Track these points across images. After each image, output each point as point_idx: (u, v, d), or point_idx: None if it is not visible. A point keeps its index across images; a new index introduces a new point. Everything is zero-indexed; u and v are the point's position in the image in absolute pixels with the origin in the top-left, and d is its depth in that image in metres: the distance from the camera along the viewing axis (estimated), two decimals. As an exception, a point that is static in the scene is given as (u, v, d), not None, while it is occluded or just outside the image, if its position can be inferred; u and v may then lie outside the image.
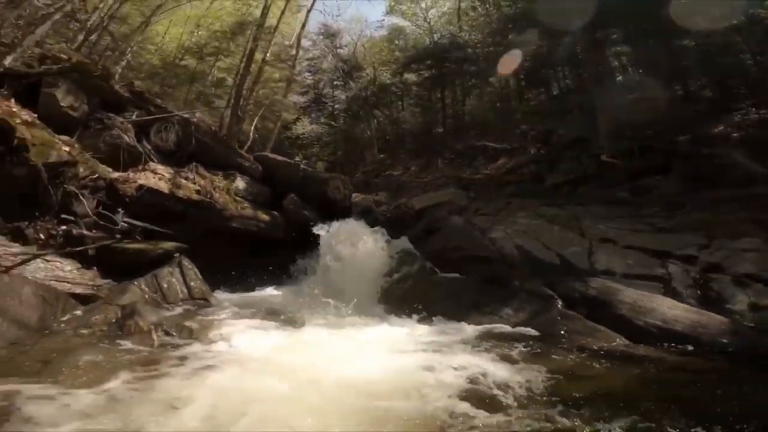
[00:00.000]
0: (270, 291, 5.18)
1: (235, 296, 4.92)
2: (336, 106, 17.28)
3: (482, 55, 11.46)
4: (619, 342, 3.07)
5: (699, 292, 3.63)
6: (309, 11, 10.87)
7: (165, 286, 4.31)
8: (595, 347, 2.95)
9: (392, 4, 14.96)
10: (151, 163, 5.23)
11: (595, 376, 2.38)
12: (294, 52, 10.84)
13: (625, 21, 9.76)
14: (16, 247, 3.55)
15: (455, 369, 2.38)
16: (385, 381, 2.21)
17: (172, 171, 5.26)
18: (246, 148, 10.12)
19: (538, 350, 2.85)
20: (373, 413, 1.82)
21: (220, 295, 4.80)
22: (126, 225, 4.50)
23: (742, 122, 7.89)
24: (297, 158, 13.46)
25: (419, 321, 3.74)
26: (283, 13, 8.99)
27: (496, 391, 2.09)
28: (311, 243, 5.86)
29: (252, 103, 8.81)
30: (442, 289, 4.49)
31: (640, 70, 10.64)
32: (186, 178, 5.27)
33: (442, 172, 13.08)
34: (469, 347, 2.91)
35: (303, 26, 10.97)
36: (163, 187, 4.93)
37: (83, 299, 3.68)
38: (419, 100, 16.29)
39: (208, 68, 11.05)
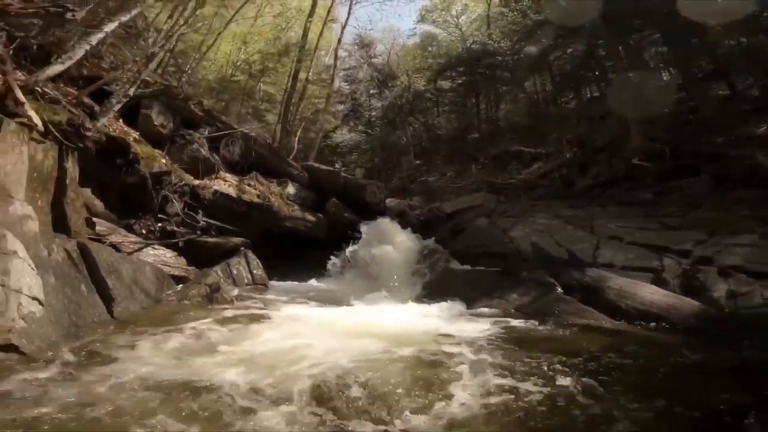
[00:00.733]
0: (314, 280, 6.29)
1: (286, 284, 6.05)
2: (373, 113, 18.51)
3: (512, 61, 12.11)
4: (603, 320, 3.80)
5: (685, 281, 4.25)
6: (344, 27, 12.20)
7: (235, 272, 5.54)
8: (578, 323, 3.70)
9: (423, 13, 15.94)
10: (221, 172, 6.57)
11: (563, 339, 3.17)
12: (331, 65, 12.14)
13: (661, 21, 9.96)
14: (133, 237, 4.90)
15: (452, 329, 3.31)
16: (396, 332, 3.17)
17: (237, 179, 6.57)
18: (291, 157, 11.52)
19: (529, 323, 3.66)
20: (378, 344, 2.77)
21: (275, 283, 5.96)
22: (204, 223, 5.81)
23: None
24: (337, 165, 14.76)
25: (437, 302, 4.65)
26: (320, 35, 10.27)
27: (479, 341, 2.99)
28: (350, 240, 6.96)
29: (298, 118, 10.16)
30: (460, 279, 5.36)
31: (677, 71, 10.79)
32: (248, 185, 6.56)
33: (476, 177, 13.80)
34: (472, 319, 3.80)
35: (339, 41, 12.28)
36: (232, 192, 6.23)
37: (177, 279, 4.94)
38: (454, 106, 17.11)
39: (257, 84, 12.62)
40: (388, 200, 11.54)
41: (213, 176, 6.35)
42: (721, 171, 7.46)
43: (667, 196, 7.36)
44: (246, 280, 5.55)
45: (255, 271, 5.69)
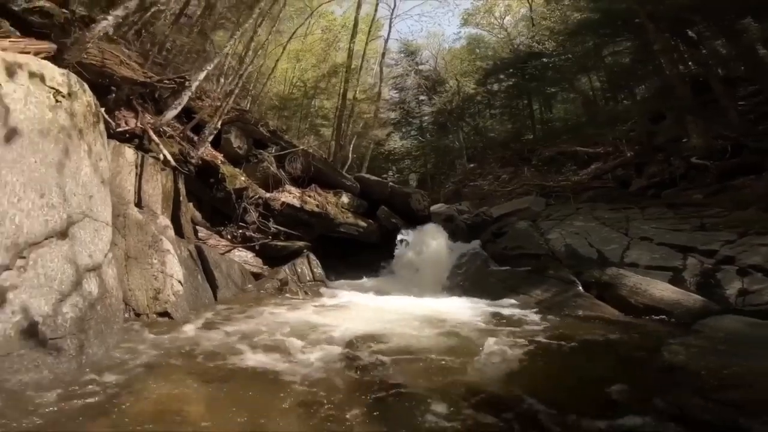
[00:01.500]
0: (365, 278, 7.40)
1: (341, 281, 7.23)
2: (424, 118, 19.47)
3: (559, 61, 12.36)
4: (611, 314, 4.42)
5: (702, 280, 4.68)
6: (386, 41, 13.35)
7: (299, 270, 6.84)
8: (588, 315, 4.36)
9: (466, 17, 16.54)
10: (286, 186, 7.98)
11: (562, 326, 3.89)
12: (378, 81, 13.38)
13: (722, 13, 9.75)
14: (224, 241, 6.39)
15: (467, 314, 4.20)
16: (418, 314, 4.13)
17: (299, 191, 7.93)
18: (346, 167, 12.90)
19: (541, 314, 4.41)
20: (401, 320, 3.75)
21: (332, 281, 7.19)
22: (275, 229, 7.20)
23: None
24: (390, 172, 15.96)
25: (468, 296, 5.51)
26: (364, 55, 11.51)
27: (486, 323, 3.86)
28: (397, 243, 8.01)
29: (350, 132, 11.49)
30: (492, 277, 6.14)
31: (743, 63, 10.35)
32: (309, 196, 7.89)
33: (529, 180, 14.13)
34: (491, 309, 4.63)
35: (382, 55, 13.47)
36: (296, 202, 7.58)
37: (255, 275, 6.32)
38: (505, 108, 17.50)
39: (312, 101, 14.23)
40: (437, 205, 12.44)
41: (280, 189, 7.76)
42: (786, 168, 7.38)
43: (720, 195, 7.44)
44: (308, 277, 6.82)
45: (315, 270, 6.94)
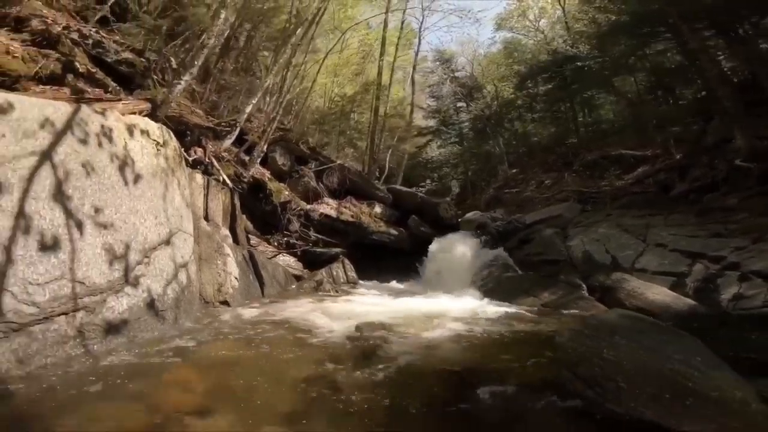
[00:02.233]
0: (394, 281, 8.37)
1: (372, 283, 8.24)
2: (463, 124, 20.15)
3: (594, 64, 12.60)
4: None
5: (701, 284, 5.15)
6: (416, 54, 14.29)
7: (334, 273, 7.96)
8: (582, 315, 5.03)
9: (499, 21, 17.04)
10: (324, 198, 9.19)
11: (552, 323, 4.65)
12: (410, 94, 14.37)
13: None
14: (271, 248, 7.67)
15: (477, 311, 5.04)
16: (431, 309, 5.03)
17: (336, 202, 9.10)
18: (384, 177, 13.99)
19: (541, 313, 5.15)
20: (413, 313, 4.66)
21: (363, 283, 8.24)
22: (314, 237, 8.41)
23: None
24: (427, 180, 16.82)
25: (485, 298, 6.29)
26: (392, 73, 12.60)
27: (488, 317, 4.69)
28: (426, 250, 8.91)
29: (383, 146, 12.57)
30: (510, 281, 6.86)
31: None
32: (344, 207, 9.03)
33: (569, 185, 14.35)
34: (499, 308, 5.42)
35: (414, 68, 14.43)
36: (333, 213, 8.75)
37: (297, 277, 7.53)
38: (546, 111, 17.73)
39: (349, 116, 15.52)
40: (471, 213, 13.15)
41: (319, 201, 8.97)
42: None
43: (755, 199, 7.57)
44: (342, 280, 7.93)
45: (349, 273, 8.04)
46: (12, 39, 4.27)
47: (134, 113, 3.97)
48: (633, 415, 1.77)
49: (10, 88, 3.60)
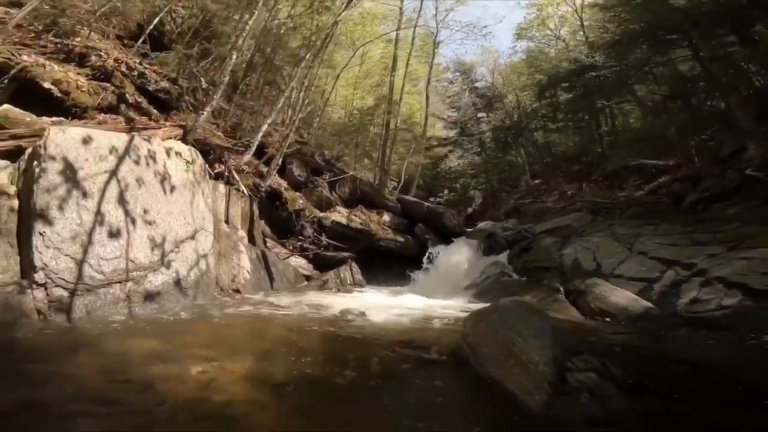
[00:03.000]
0: (398, 285, 9.36)
1: (376, 286, 9.28)
2: (486, 134, 20.94)
3: (609, 74, 13.13)
4: (571, 315, 5.80)
5: (666, 289, 5.82)
6: (430, 68, 15.35)
7: (342, 275, 9.04)
8: (553, 316, 5.82)
9: (519, 31, 17.79)
10: (336, 206, 10.33)
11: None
12: (434, 103, 15.41)
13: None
14: (285, 250, 8.87)
15: (458, 309, 5.97)
16: (416, 307, 6.00)
17: (347, 211, 10.22)
18: (400, 187, 15.05)
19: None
20: (396, 307, 5.64)
21: (368, 285, 9.26)
22: (326, 242, 9.55)
23: None
24: (445, 191, 17.70)
25: (473, 299, 7.15)
26: (402, 88, 13.75)
27: (464, 314, 5.60)
28: (429, 256, 9.85)
29: (398, 157, 13.64)
30: (500, 285, 7.68)
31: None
32: (355, 215, 10.14)
33: (586, 196, 14.87)
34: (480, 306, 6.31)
35: (428, 81, 15.49)
36: (344, 221, 9.87)
37: (307, 277, 8.66)
38: (569, 121, 18.25)
39: (366, 128, 16.75)
40: (484, 222, 13.96)
41: (331, 209, 10.13)
42: None
43: (759, 209, 8.01)
44: (349, 281, 8.99)
45: (356, 276, 9.10)
46: (78, 74, 5.65)
47: (170, 138, 5.25)
48: (486, 375, 2.66)
49: (81, 116, 4.94)
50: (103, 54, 6.57)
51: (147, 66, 7.52)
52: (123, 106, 5.50)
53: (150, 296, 3.83)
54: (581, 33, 16.66)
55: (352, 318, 4.40)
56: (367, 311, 4.92)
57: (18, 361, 2.44)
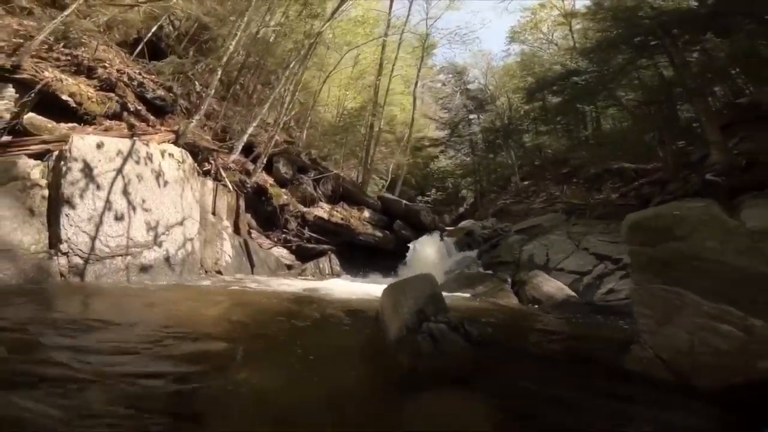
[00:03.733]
0: (375, 276, 10.51)
1: (353, 276, 10.43)
2: (476, 135, 22.04)
3: (590, 79, 14.16)
4: (509, 301, 6.91)
5: (591, 281, 6.95)
6: (419, 71, 16.50)
7: (321, 266, 10.22)
8: (495, 302, 6.89)
9: (512, 34, 18.85)
10: (320, 202, 11.50)
11: (462, 306, 6.64)
12: (425, 106, 16.56)
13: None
14: (269, 241, 10.05)
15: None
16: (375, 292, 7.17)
17: (330, 207, 11.38)
18: (387, 185, 16.21)
19: (466, 299, 7.11)
20: (358, 293, 6.80)
21: (346, 275, 10.40)
22: (308, 235, 10.72)
23: None
24: (432, 190, 18.82)
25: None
26: (387, 90, 14.92)
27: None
28: (406, 250, 11.01)
29: (380, 157, 14.81)
30: (462, 277, 8.81)
31: None
32: (336, 211, 11.30)
33: (568, 198, 15.96)
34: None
35: (416, 84, 16.67)
36: (325, 216, 11.03)
37: (288, 267, 9.85)
38: (557, 124, 19.32)
39: (354, 129, 17.93)
40: (465, 221, 15.09)
41: (315, 205, 11.30)
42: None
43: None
44: (327, 271, 10.18)
45: (334, 267, 10.28)
46: (88, 85, 6.84)
47: (165, 141, 6.44)
48: (383, 321, 3.84)
49: (90, 123, 6.14)
50: (107, 65, 7.76)
51: (145, 75, 8.71)
52: (125, 114, 6.68)
53: (144, 268, 5.01)
54: (570, 38, 17.70)
55: (315, 294, 5.56)
56: (331, 291, 6.09)
57: (47, 301, 3.63)
